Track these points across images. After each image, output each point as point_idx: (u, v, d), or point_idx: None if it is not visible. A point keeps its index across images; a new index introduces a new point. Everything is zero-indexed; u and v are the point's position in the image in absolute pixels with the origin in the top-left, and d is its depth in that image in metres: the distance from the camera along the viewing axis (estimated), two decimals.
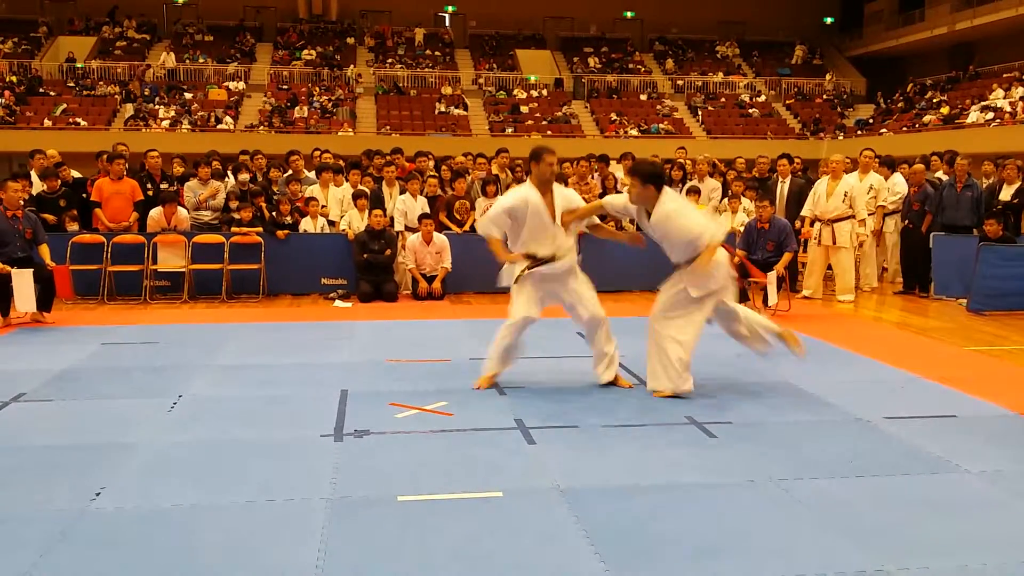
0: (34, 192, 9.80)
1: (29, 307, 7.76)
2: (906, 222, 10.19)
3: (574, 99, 29.00)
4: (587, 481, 4.01)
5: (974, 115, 22.82)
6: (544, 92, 29.10)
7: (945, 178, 10.64)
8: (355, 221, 9.87)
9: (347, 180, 10.61)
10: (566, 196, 5.65)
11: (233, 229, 9.76)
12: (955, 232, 9.82)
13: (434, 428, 4.82)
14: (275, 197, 10.25)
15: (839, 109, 29.30)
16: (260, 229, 9.74)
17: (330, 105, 26.55)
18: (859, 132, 26.78)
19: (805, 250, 10.05)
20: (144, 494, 3.82)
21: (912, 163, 10.98)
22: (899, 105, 27.31)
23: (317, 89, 27.49)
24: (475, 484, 3.96)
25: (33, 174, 10.10)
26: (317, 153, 12.70)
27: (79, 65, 27.14)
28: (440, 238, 9.59)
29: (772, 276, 8.31)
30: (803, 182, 10.57)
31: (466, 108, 27.33)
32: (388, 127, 25.72)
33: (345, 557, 3.23)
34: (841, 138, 26.22)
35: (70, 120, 24.22)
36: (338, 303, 9.41)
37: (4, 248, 7.80)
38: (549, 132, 25.79)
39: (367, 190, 10.24)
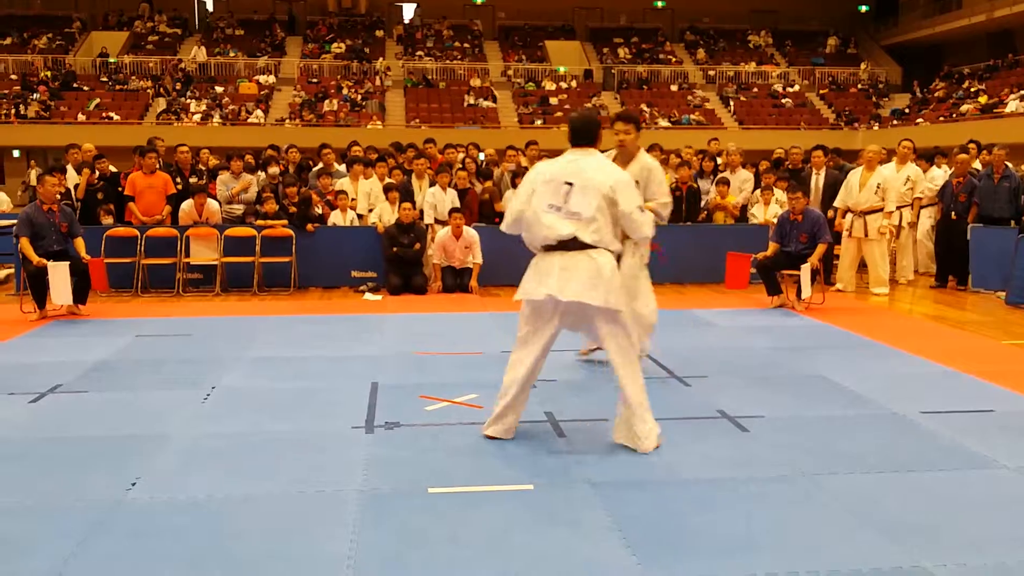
0: (70, 185, 9.95)
1: (65, 300, 7.87)
2: (951, 213, 9.99)
3: (604, 90, 28.86)
4: (618, 475, 3.99)
5: (1013, 104, 22.40)
6: (573, 83, 28.99)
7: (981, 168, 10.46)
8: (386, 214, 9.90)
9: (375, 173, 10.63)
10: None
11: (259, 222, 9.83)
12: (992, 224, 9.65)
13: (464, 420, 4.83)
14: (307, 192, 10.29)
15: (874, 99, 28.90)
16: (285, 222, 9.80)
17: (359, 98, 26.64)
18: (895, 122, 26.40)
19: (839, 242, 9.93)
20: (178, 485, 3.86)
21: (947, 153, 10.80)
22: (936, 95, 26.87)
23: (347, 82, 27.60)
24: (506, 477, 3.96)
25: (69, 168, 10.24)
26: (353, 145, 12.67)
27: (112, 60, 27.45)
28: (470, 232, 9.58)
29: (806, 268, 8.22)
30: (838, 173, 10.42)
31: (495, 100, 27.31)
32: (417, 120, 25.77)
33: (377, 548, 3.24)
34: (876, 128, 25.87)
35: (104, 115, 24.54)
36: (368, 296, 9.44)
37: (40, 242, 7.91)
38: None
39: (397, 183, 10.26)
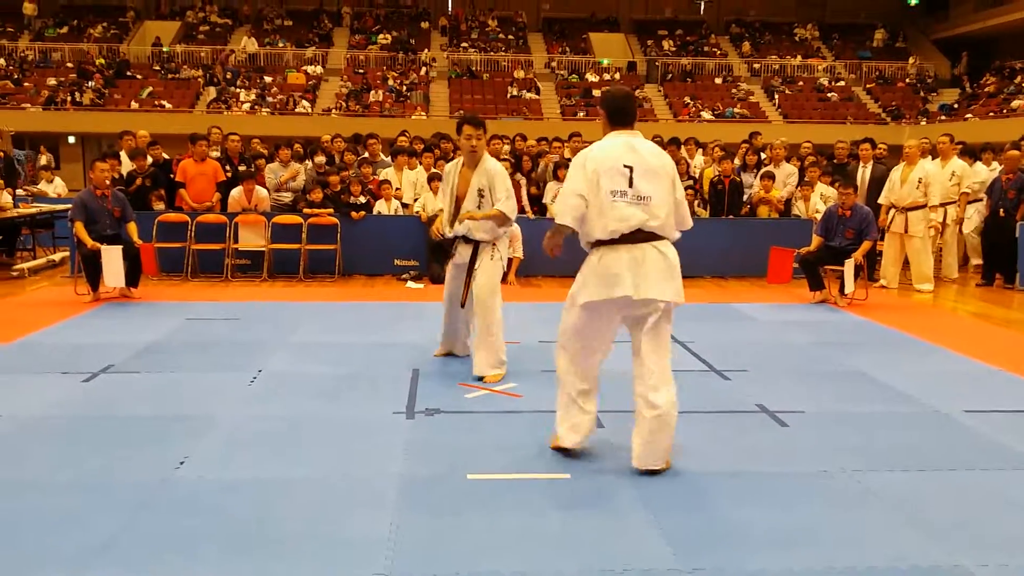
0: (124, 172, 10.17)
1: (118, 283, 8.06)
2: (999, 210, 9.81)
3: (647, 83, 28.65)
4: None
5: None
6: (617, 76, 28.81)
7: None
8: (429, 204, 9.98)
9: (420, 163, 10.72)
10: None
11: (306, 210, 9.97)
12: None
13: (503, 409, 4.88)
14: (347, 179, 10.42)
15: (922, 93, 28.34)
16: (331, 210, 9.92)
17: (404, 89, 26.79)
18: (943, 117, 25.86)
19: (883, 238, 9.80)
20: (224, 465, 3.97)
21: (997, 149, 10.56)
22: (986, 90, 26.26)
23: (392, 73, 27.76)
24: (543, 465, 4.00)
25: (123, 154, 10.47)
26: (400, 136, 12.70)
27: (165, 49, 27.92)
28: (512, 226, 9.60)
29: (850, 264, 8.13)
30: (884, 168, 10.28)
31: (538, 92, 27.26)
32: (461, 111, 25.84)
33: (416, 532, 3.31)
34: (924, 123, 25.38)
35: (156, 103, 24.97)
36: (410, 284, 9.54)
37: (94, 226, 8.12)
38: None
39: (441, 173, 10.32)
